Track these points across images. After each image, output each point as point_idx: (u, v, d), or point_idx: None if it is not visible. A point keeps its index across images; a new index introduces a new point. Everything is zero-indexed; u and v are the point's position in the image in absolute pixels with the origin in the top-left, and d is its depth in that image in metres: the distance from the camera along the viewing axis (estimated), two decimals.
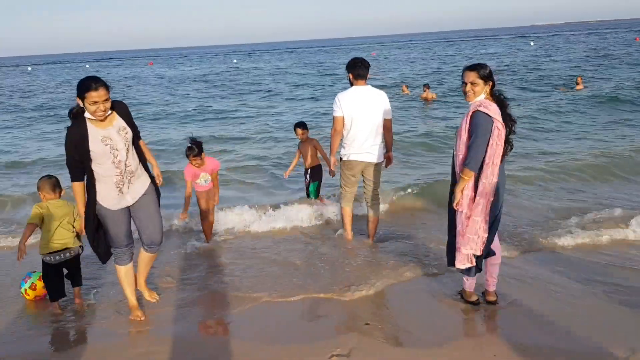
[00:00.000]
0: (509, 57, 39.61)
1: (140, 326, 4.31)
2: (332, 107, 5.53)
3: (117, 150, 3.96)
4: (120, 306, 4.64)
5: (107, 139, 3.93)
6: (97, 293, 4.97)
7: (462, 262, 4.20)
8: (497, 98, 4.06)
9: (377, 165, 5.58)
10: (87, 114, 3.88)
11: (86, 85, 3.76)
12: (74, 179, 4.04)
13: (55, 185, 4.68)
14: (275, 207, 6.98)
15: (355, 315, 4.41)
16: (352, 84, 5.45)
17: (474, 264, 4.20)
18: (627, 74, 22.68)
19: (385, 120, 5.45)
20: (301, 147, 7.02)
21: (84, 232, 4.33)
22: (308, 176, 7.06)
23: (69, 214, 4.64)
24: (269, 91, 25.42)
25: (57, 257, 4.58)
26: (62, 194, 4.74)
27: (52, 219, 4.54)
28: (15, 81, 44.66)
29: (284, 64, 51.68)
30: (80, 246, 4.73)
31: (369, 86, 5.46)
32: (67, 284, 4.80)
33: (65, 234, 4.59)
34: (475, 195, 4.04)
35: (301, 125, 6.96)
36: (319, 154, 7.01)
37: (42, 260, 4.63)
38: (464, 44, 77.44)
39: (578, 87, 18.87)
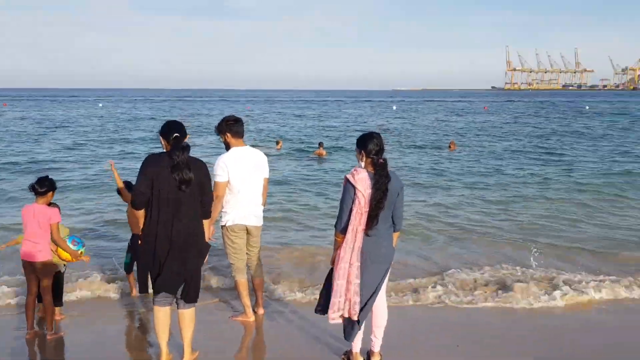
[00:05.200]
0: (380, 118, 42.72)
1: None
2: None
3: None
4: None
5: None
6: None
7: (331, 317, 4.28)
8: (377, 166, 4.15)
9: (260, 229, 5.48)
10: None
11: None
12: None
13: None
14: None
15: None
16: (229, 145, 5.26)
17: (343, 322, 4.31)
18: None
19: (264, 179, 5.39)
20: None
21: None
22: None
23: None
24: None
25: None
26: None
27: None
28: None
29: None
30: None
31: (248, 146, 5.36)
32: None
33: None
34: (340, 259, 4.17)
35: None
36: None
37: None
38: (329, 104, 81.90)
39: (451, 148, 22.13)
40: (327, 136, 28.16)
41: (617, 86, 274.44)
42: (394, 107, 66.87)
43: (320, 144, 21.25)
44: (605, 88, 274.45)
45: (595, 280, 6.68)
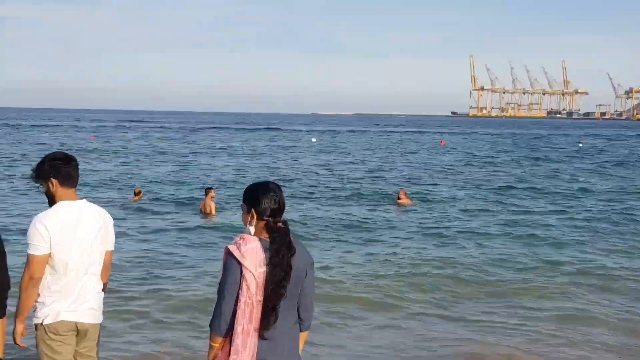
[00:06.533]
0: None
1: None
2: None
3: None
4: None
5: None
6: None
7: None
8: (275, 231, 3.63)
9: (98, 327, 4.65)
10: None
11: None
12: None
13: None
14: None
15: None
16: (54, 197, 4.47)
17: None
18: None
19: (107, 252, 4.65)
20: None
21: None
22: None
23: None
24: None
25: None
26: None
27: None
28: None
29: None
30: None
31: (83, 200, 4.54)
32: None
33: None
34: None
35: None
36: None
37: None
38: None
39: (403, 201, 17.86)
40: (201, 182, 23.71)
41: (620, 114, 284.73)
42: (314, 140, 61.72)
43: (208, 191, 17.69)
44: (604, 117, 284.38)
45: None
